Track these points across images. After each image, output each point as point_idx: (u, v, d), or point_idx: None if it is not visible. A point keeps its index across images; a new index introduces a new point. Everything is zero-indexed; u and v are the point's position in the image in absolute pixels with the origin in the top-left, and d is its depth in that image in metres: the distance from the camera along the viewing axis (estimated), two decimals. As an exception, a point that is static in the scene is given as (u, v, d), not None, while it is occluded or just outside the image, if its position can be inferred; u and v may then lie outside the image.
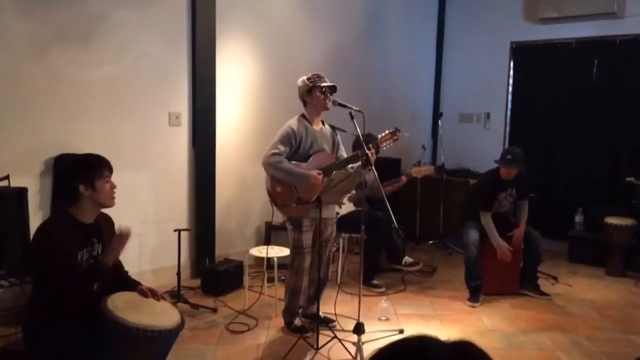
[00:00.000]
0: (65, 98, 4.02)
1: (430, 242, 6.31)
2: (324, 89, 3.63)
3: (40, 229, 2.44)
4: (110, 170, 2.59)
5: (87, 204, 2.51)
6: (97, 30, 4.15)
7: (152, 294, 2.63)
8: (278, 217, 3.90)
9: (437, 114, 6.98)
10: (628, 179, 5.35)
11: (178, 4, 4.62)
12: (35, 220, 3.52)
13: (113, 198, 2.59)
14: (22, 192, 3.47)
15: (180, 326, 2.53)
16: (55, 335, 2.37)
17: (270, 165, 3.56)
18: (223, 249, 5.09)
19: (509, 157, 4.57)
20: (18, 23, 3.76)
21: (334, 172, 3.43)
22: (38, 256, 2.39)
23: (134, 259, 4.42)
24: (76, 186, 2.47)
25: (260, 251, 4.32)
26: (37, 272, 2.43)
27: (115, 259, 2.54)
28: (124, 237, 2.49)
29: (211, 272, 4.60)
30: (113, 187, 2.58)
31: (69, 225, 2.46)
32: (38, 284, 2.44)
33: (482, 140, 6.70)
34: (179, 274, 4.27)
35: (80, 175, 2.49)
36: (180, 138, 4.76)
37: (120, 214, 2.70)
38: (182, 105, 4.73)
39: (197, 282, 4.70)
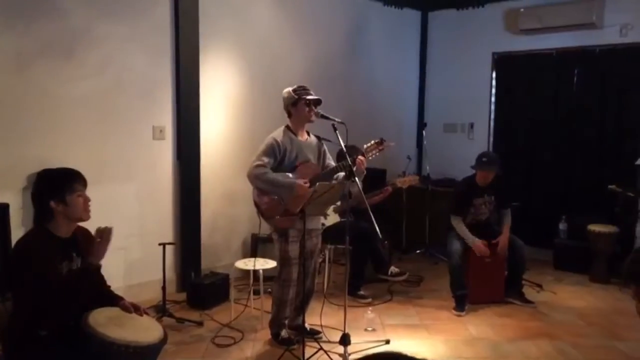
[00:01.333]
0: (47, 112, 4.02)
1: (418, 251, 6.33)
2: (308, 102, 3.66)
3: (18, 243, 2.42)
4: (83, 183, 2.56)
5: (61, 219, 2.50)
6: (80, 44, 4.16)
7: (135, 309, 2.62)
8: (265, 229, 3.91)
9: (421, 125, 7.02)
10: (610, 186, 5.41)
11: (161, 18, 4.64)
12: (17, 236, 3.44)
13: (87, 212, 2.55)
14: (3, 208, 3.45)
15: (162, 341, 2.52)
16: (37, 351, 2.35)
17: (254, 177, 3.57)
18: (209, 262, 5.07)
19: (484, 159, 4.64)
20: (0, 37, 3.75)
21: (317, 183, 3.44)
22: (19, 270, 2.37)
23: (118, 274, 4.40)
24: (47, 202, 2.45)
25: (245, 264, 4.31)
26: (19, 286, 2.40)
27: (101, 257, 2.48)
28: (106, 233, 2.46)
29: (197, 285, 4.58)
30: (87, 200, 2.55)
31: (46, 240, 2.44)
32: (20, 299, 2.41)
33: (466, 150, 6.70)
34: (164, 288, 4.24)
35: (50, 191, 2.47)
36: (165, 151, 4.76)
37: (110, 226, 2.66)
38: (166, 118, 4.73)
39: (183, 296, 4.68)
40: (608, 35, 5.77)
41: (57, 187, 2.48)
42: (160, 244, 4.23)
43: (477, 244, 4.60)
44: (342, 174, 3.69)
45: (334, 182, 3.63)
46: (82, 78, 4.18)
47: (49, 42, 3.99)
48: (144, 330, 2.52)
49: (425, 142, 6.66)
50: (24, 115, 3.90)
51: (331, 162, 3.87)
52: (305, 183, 3.54)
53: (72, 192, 2.49)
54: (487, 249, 4.60)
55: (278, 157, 3.61)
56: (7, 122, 3.83)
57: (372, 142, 3.72)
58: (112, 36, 4.33)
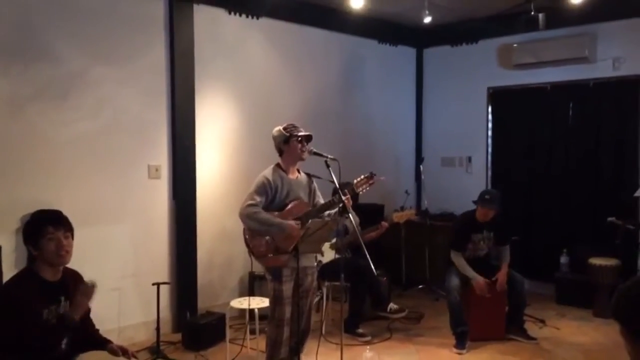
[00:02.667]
0: (41, 154, 4.06)
1: (420, 286, 6.24)
2: (300, 139, 3.67)
3: (1, 289, 2.39)
4: (55, 225, 2.46)
5: (42, 263, 2.46)
6: (75, 87, 4.22)
7: (123, 352, 2.58)
8: (260, 267, 3.87)
9: (419, 159, 7.04)
10: (609, 219, 5.37)
11: (157, 59, 4.71)
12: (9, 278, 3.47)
13: (61, 256, 2.46)
14: (-5, 250, 3.43)
15: (151, 385, 2.47)
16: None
17: (246, 216, 3.55)
18: (206, 301, 5.02)
19: (487, 197, 4.62)
20: (-5, 81, 3.82)
21: (310, 220, 3.42)
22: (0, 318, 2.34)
23: (113, 315, 4.35)
24: (27, 248, 2.44)
25: (241, 302, 4.27)
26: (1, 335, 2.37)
27: (83, 312, 2.44)
28: (88, 290, 2.41)
29: (192, 325, 4.52)
30: (59, 243, 2.44)
31: (32, 284, 2.41)
32: (3, 346, 2.37)
33: (464, 184, 6.73)
34: (158, 328, 4.19)
35: (25, 235, 2.46)
36: (160, 190, 4.76)
37: (99, 269, 2.67)
38: (161, 157, 4.75)
39: (178, 337, 4.61)
40: (601, 69, 5.82)
41: (30, 232, 2.46)
42: (153, 284, 4.20)
43: (479, 281, 4.53)
44: (330, 211, 3.66)
45: (326, 219, 3.62)
46: (77, 120, 4.23)
47: (44, 86, 4.05)
48: (132, 374, 2.48)
49: (423, 177, 6.66)
50: (17, 157, 3.93)
51: (320, 200, 3.86)
52: (297, 224, 3.51)
53: (43, 236, 2.42)
54: (487, 288, 4.53)
55: (269, 195, 3.60)
56: (1, 164, 3.86)
57: (362, 176, 3.72)
58: (107, 79, 4.39)
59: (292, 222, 3.53)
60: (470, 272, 4.57)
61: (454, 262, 4.62)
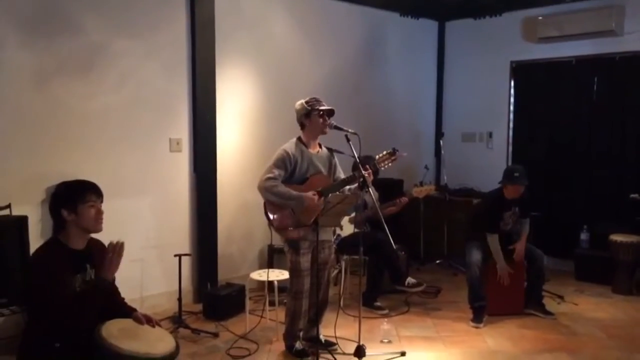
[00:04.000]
0: (66, 127, 4.11)
1: (438, 261, 6.26)
2: (322, 113, 3.66)
3: (31, 259, 2.45)
4: (97, 194, 2.57)
5: (73, 229, 2.52)
6: (98, 61, 4.25)
7: (148, 320, 2.64)
8: (280, 239, 3.92)
9: (439, 134, 6.98)
10: (632, 195, 5.30)
11: (178, 34, 4.71)
12: (35, 248, 3.55)
13: (99, 223, 2.56)
14: (22, 221, 3.51)
15: (174, 353, 2.52)
16: (50, 363, 2.38)
17: (265, 189, 3.58)
18: (226, 273, 5.09)
19: (516, 174, 4.54)
20: (20, 54, 3.87)
21: (330, 194, 3.43)
22: (30, 283, 2.40)
23: (135, 285, 4.46)
24: (59, 211, 2.49)
25: (260, 275, 4.32)
26: (31, 299, 2.44)
27: (114, 272, 2.48)
28: (118, 247, 2.45)
29: (213, 296, 4.61)
30: (99, 212, 2.55)
31: (59, 252, 2.47)
32: (32, 311, 2.44)
33: (485, 159, 6.69)
34: (180, 299, 4.28)
35: (62, 199, 2.51)
36: (182, 163, 4.81)
37: (122, 240, 2.68)
38: (182, 131, 4.79)
39: (199, 307, 4.71)
40: (628, 43, 5.68)
41: (70, 196, 2.51)
42: (175, 255, 4.27)
43: (505, 271, 4.55)
44: (350, 186, 3.66)
45: (347, 192, 3.63)
46: (100, 93, 4.27)
47: (67, 59, 4.09)
48: (156, 341, 2.54)
49: (443, 152, 6.62)
50: (43, 130, 4.00)
51: (341, 174, 3.86)
52: (314, 195, 3.53)
53: (84, 202, 2.51)
54: (509, 280, 4.56)
55: (289, 168, 3.61)
56: (27, 136, 3.93)
57: (385, 152, 3.69)
58: (130, 52, 4.41)
59: (309, 194, 3.53)
60: (501, 262, 4.56)
61: (490, 245, 4.58)
